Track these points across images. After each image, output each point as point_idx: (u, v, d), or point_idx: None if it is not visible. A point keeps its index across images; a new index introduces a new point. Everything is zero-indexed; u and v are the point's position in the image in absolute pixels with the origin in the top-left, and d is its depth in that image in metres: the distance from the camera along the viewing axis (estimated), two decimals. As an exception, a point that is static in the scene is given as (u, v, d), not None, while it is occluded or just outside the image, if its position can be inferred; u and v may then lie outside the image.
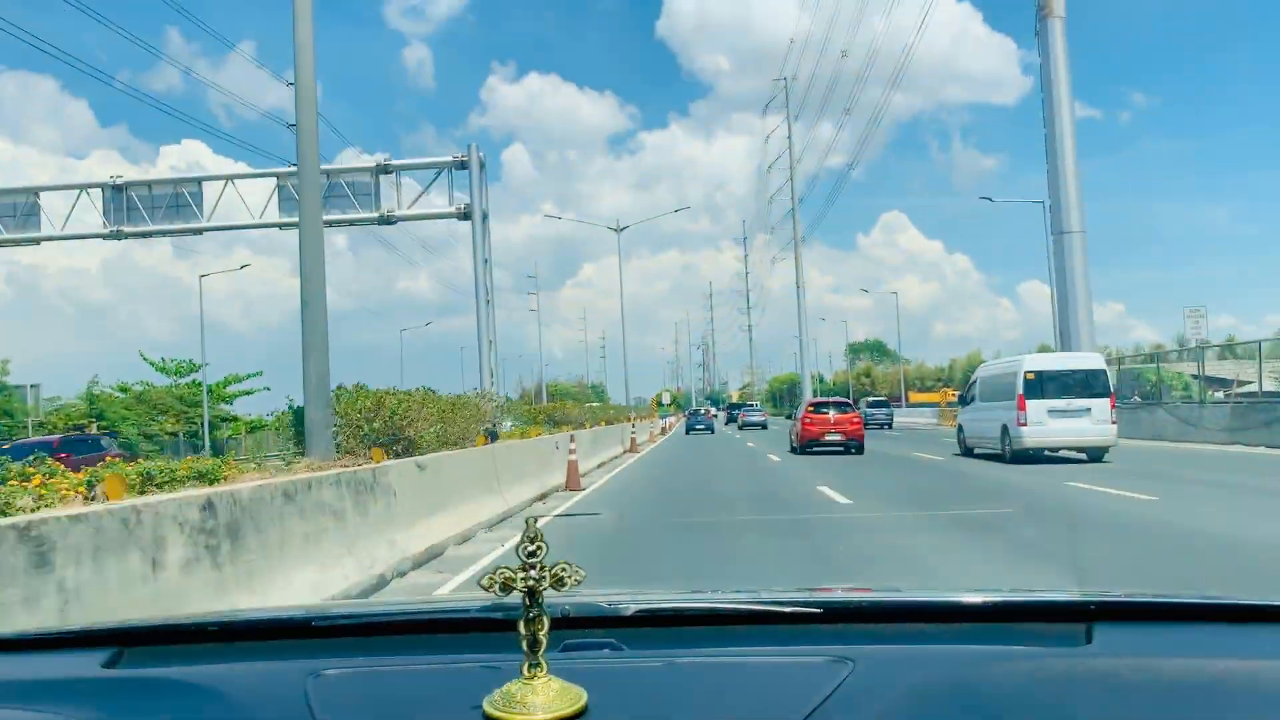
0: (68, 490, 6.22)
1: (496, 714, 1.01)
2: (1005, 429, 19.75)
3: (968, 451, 22.43)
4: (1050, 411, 19.03)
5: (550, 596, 1.05)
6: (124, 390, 46.85)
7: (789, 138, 72.37)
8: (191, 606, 5.05)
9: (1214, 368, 32.64)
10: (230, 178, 20.38)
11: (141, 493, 6.06)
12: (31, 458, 10.94)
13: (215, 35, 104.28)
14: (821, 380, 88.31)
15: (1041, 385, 19.29)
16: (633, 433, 30.12)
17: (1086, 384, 19.45)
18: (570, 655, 1.23)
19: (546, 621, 1.04)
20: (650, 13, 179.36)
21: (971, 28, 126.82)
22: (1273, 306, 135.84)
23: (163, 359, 48.59)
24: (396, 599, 6.53)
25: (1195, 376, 27.97)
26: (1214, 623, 1.41)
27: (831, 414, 24.56)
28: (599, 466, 21.73)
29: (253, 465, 7.82)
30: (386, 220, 19.97)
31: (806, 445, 24.24)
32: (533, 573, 1.02)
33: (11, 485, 5.71)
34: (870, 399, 57.75)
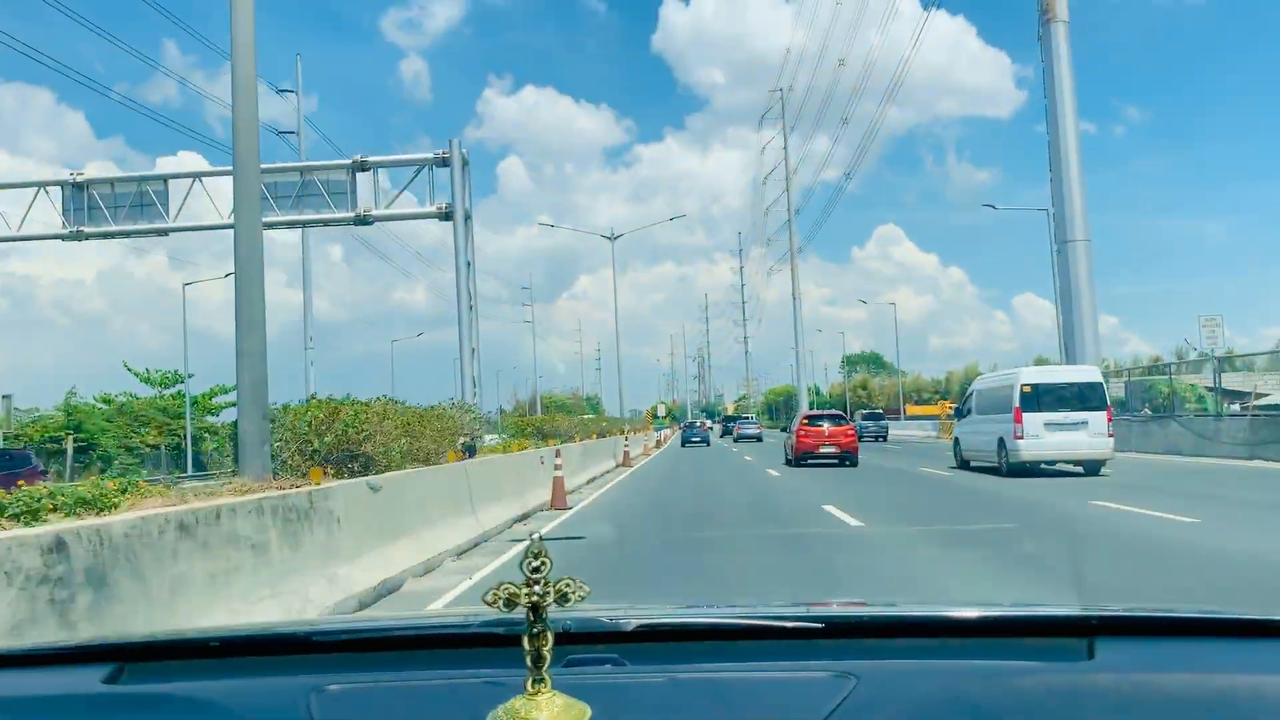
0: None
1: None
2: (1002, 442, 19.46)
3: (964, 464, 21.94)
4: (1047, 425, 18.76)
5: (552, 611, 1.02)
6: (107, 401, 45.44)
7: (785, 148, 71.52)
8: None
9: (1224, 379, 31.43)
10: (198, 175, 19.05)
11: (-11, 527, 4.74)
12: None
13: (211, 46, 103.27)
14: (818, 392, 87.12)
15: (1038, 398, 19.04)
16: (625, 446, 28.76)
17: (1083, 397, 19.18)
18: (573, 671, 1.21)
19: (550, 637, 1.02)
20: (646, 26, 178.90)
21: (966, 41, 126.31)
22: (1267, 319, 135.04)
23: (146, 370, 47.29)
24: (398, 613, 6.30)
25: (1210, 388, 26.70)
26: (1216, 638, 1.40)
27: (826, 427, 24.39)
28: (589, 482, 20.39)
29: (163, 489, 6.53)
30: (363, 220, 18.68)
31: (801, 458, 24.04)
32: (537, 588, 1.01)
33: None
34: (865, 411, 57.28)
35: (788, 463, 25.58)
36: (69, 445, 34.54)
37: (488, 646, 1.34)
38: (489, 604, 1.02)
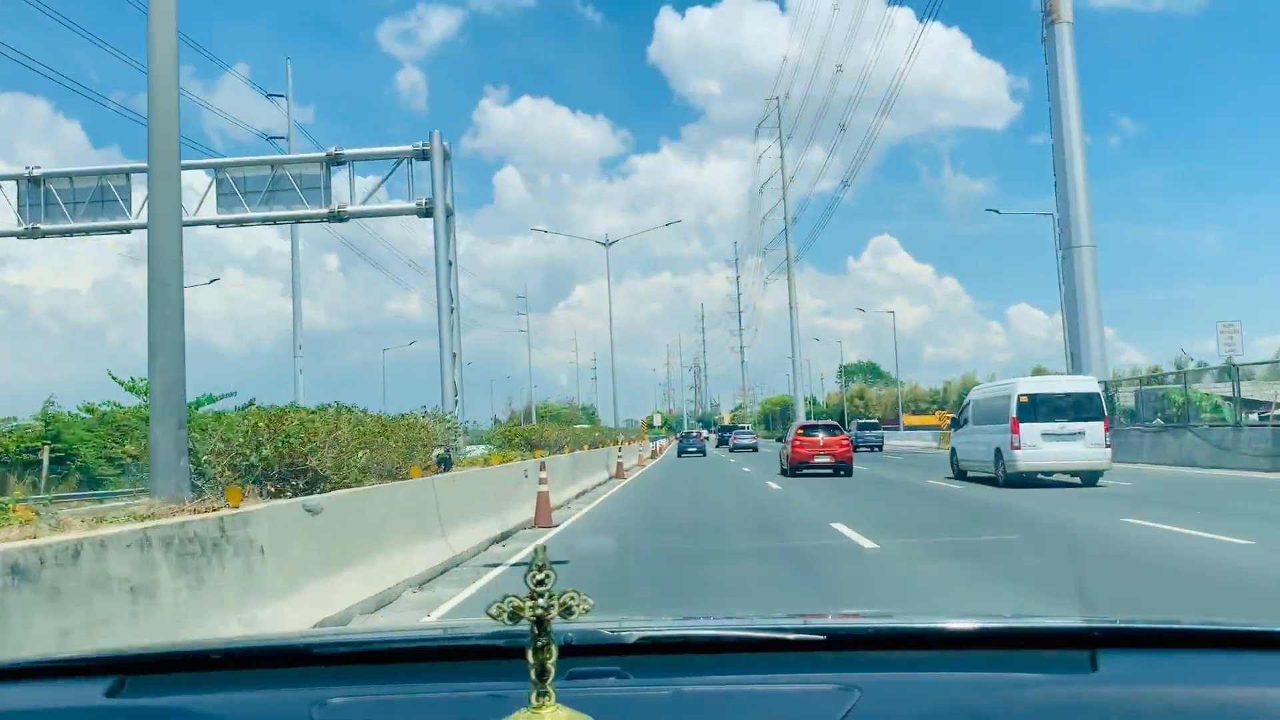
0: None
1: None
2: (999, 452, 19.25)
3: (961, 474, 21.69)
4: (1044, 435, 18.55)
5: (554, 623, 1.02)
6: (90, 411, 44.01)
7: (781, 157, 70.51)
8: None
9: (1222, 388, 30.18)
10: (161, 169, 17.73)
11: None
12: None
13: (209, 55, 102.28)
14: (815, 402, 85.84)
15: (1035, 408, 18.87)
16: (619, 457, 27.41)
17: (1080, 407, 18.97)
18: (576, 683, 1.20)
19: (555, 650, 1.01)
20: (642, 37, 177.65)
21: (961, 53, 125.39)
22: (1261, 330, 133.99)
23: (131, 378, 45.68)
24: (400, 625, 5.93)
25: (1228, 398, 25.44)
26: (1219, 649, 1.39)
27: (821, 437, 24.44)
28: (578, 496, 19.07)
29: (30, 511, 5.27)
30: (337, 217, 17.38)
31: (797, 467, 23.98)
32: (541, 601, 1.00)
33: None
34: (860, 421, 56.62)
35: (783, 472, 25.17)
36: (45, 456, 33.13)
37: (490, 659, 1.32)
38: (493, 617, 1.00)
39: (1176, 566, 9.02)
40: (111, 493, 25.08)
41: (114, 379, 47.99)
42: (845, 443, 24.59)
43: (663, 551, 10.87)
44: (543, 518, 13.66)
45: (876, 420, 60.38)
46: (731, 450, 54.60)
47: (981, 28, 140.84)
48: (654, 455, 48.37)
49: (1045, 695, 1.21)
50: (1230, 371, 24.83)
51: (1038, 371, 56.44)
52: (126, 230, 17.92)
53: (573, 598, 1.01)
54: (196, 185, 17.09)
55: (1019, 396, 19.17)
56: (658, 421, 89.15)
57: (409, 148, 17.26)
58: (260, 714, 1.24)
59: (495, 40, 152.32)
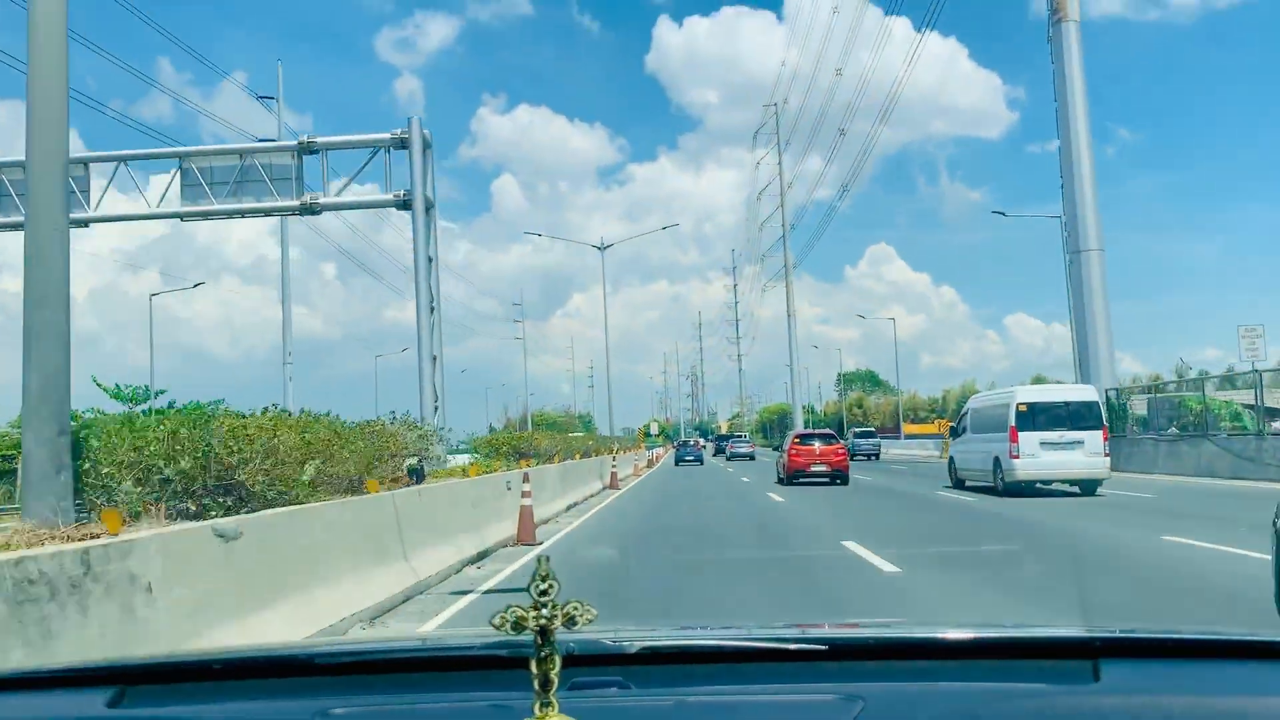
0: None
1: None
2: (997, 461, 19.09)
3: (959, 483, 21.43)
4: (1043, 444, 18.42)
5: (556, 633, 1.01)
6: (74, 419, 42.68)
7: (779, 162, 69.51)
8: None
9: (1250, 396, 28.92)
10: (123, 159, 16.44)
11: None
12: None
13: (207, 63, 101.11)
14: (812, 411, 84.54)
15: (1034, 417, 18.70)
16: (613, 467, 26.06)
17: (1079, 416, 18.83)
18: (578, 694, 1.19)
19: (558, 661, 1.00)
20: (640, 46, 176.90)
21: (958, 63, 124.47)
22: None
23: (116, 385, 44.51)
24: (400, 635, 5.88)
25: (1248, 406, 24.20)
26: (1222, 660, 1.37)
27: (817, 446, 24.53)
28: (568, 509, 17.76)
29: None
30: (309, 209, 16.10)
31: (793, 476, 24.04)
32: (545, 611, 0.99)
33: None
34: (857, 430, 56.40)
35: (780, 481, 25.17)
36: (20, 465, 31.76)
37: (491, 669, 1.30)
38: (496, 627, 1.00)
39: (1247, 592, 7.75)
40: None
41: (98, 385, 46.75)
42: (841, 452, 24.60)
43: (657, 574, 9.59)
44: (526, 534, 12.37)
45: (873, 429, 59.95)
46: (729, 459, 54.93)
47: (978, 37, 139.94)
48: (650, 464, 47.04)
49: (1047, 705, 1.22)
50: (1255, 377, 23.60)
51: (1038, 380, 55.35)
52: (85, 224, 16.62)
53: (576, 608, 1.00)
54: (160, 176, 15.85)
55: (1018, 405, 18.95)
56: (654, 430, 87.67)
57: (386, 136, 15.97)
58: None
59: (493, 48, 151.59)
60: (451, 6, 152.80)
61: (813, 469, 23.93)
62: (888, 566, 9.49)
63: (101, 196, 16.62)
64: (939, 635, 1.44)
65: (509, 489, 13.11)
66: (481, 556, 10.92)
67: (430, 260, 15.85)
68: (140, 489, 6.22)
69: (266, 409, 8.18)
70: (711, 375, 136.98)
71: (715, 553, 11.55)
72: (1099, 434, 18.77)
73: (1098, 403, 19.73)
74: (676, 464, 47.40)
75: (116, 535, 4.60)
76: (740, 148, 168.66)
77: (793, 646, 1.37)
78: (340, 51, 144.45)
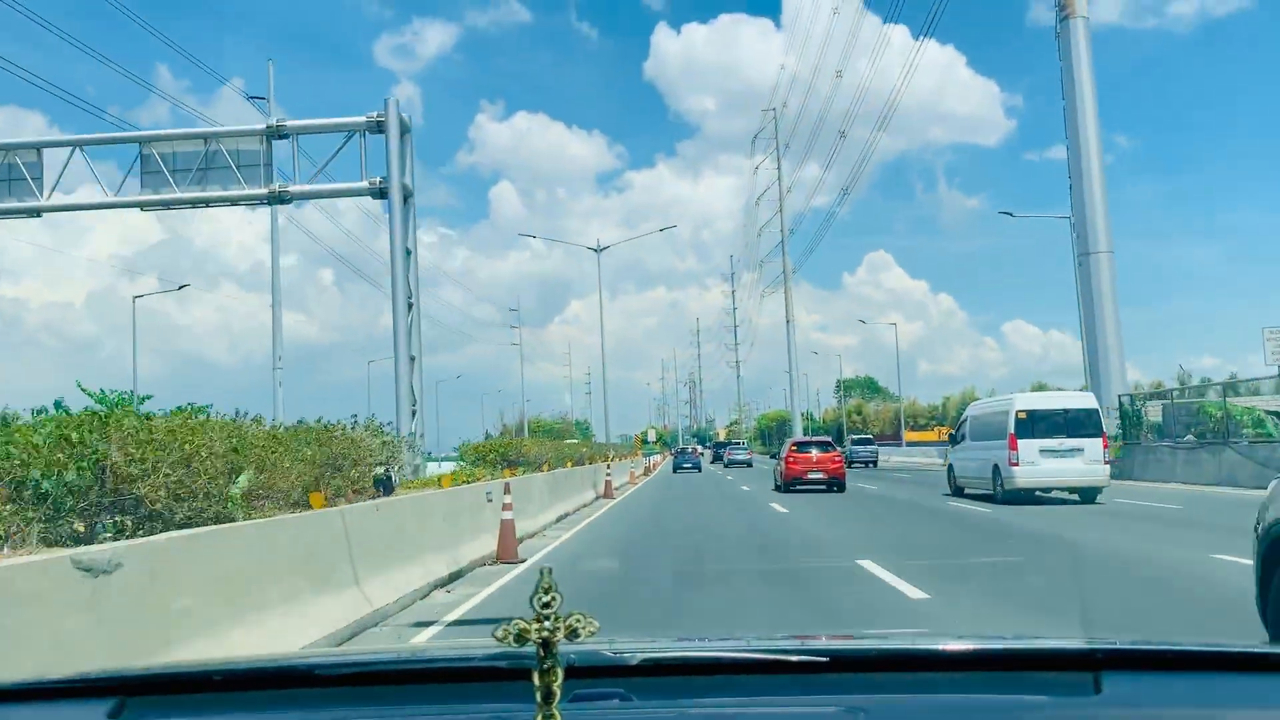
0: None
1: None
2: (996, 468, 18.85)
3: (958, 491, 21.20)
4: (1042, 451, 18.15)
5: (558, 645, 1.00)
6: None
7: (778, 166, 68.50)
8: None
9: (1270, 402, 27.67)
10: (78, 144, 15.15)
11: None
12: None
13: (205, 69, 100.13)
14: (811, 418, 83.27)
15: (1033, 424, 18.46)
16: (607, 475, 24.76)
17: (1078, 423, 18.60)
18: (579, 706, 1.18)
19: (560, 674, 0.99)
20: (638, 53, 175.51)
21: (956, 70, 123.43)
22: (1254, 347, 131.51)
23: (101, 390, 43.23)
24: (399, 646, 5.49)
25: (1271, 412, 22.98)
26: (1224, 672, 1.35)
27: (814, 453, 24.57)
28: (558, 520, 16.48)
29: None
30: (278, 198, 14.84)
31: (790, 483, 24.04)
32: (547, 624, 0.98)
33: None
34: (855, 437, 56.11)
35: (777, 488, 25.12)
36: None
37: (492, 680, 1.29)
38: (499, 639, 0.99)
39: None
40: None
41: (83, 390, 45.61)
42: (838, 459, 24.71)
43: (651, 600, 8.35)
44: (507, 551, 11.10)
45: (870, 436, 59.51)
46: (726, 465, 54.76)
47: (976, 45, 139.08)
48: (647, 472, 45.77)
49: (1048, 718, 1.22)
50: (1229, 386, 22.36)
51: (1039, 387, 54.19)
52: (37, 214, 15.32)
53: (579, 620, 1.00)
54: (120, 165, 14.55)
55: (1017, 413, 18.66)
56: (652, 437, 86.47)
57: (361, 119, 14.69)
58: None
59: (491, 55, 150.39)
60: (450, 13, 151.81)
61: (810, 476, 23.90)
62: (913, 591, 8.24)
63: (55, 185, 15.34)
64: (940, 647, 1.43)
65: (489, 500, 11.85)
66: (455, 578, 9.66)
67: (409, 253, 14.60)
68: (8, 506, 4.98)
69: (181, 408, 6.95)
70: (710, 382, 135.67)
71: (716, 573, 10.31)
72: (1098, 441, 18.44)
73: (1097, 410, 19.30)
74: (674, 471, 46.66)
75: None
76: (738, 154, 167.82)
77: (794, 658, 1.34)
78: (338, 57, 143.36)
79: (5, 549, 4.45)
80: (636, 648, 1.33)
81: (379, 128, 14.61)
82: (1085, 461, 18.34)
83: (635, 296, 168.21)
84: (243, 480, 6.71)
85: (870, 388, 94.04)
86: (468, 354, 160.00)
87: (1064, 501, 18.51)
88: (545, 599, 0.98)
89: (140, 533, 5.35)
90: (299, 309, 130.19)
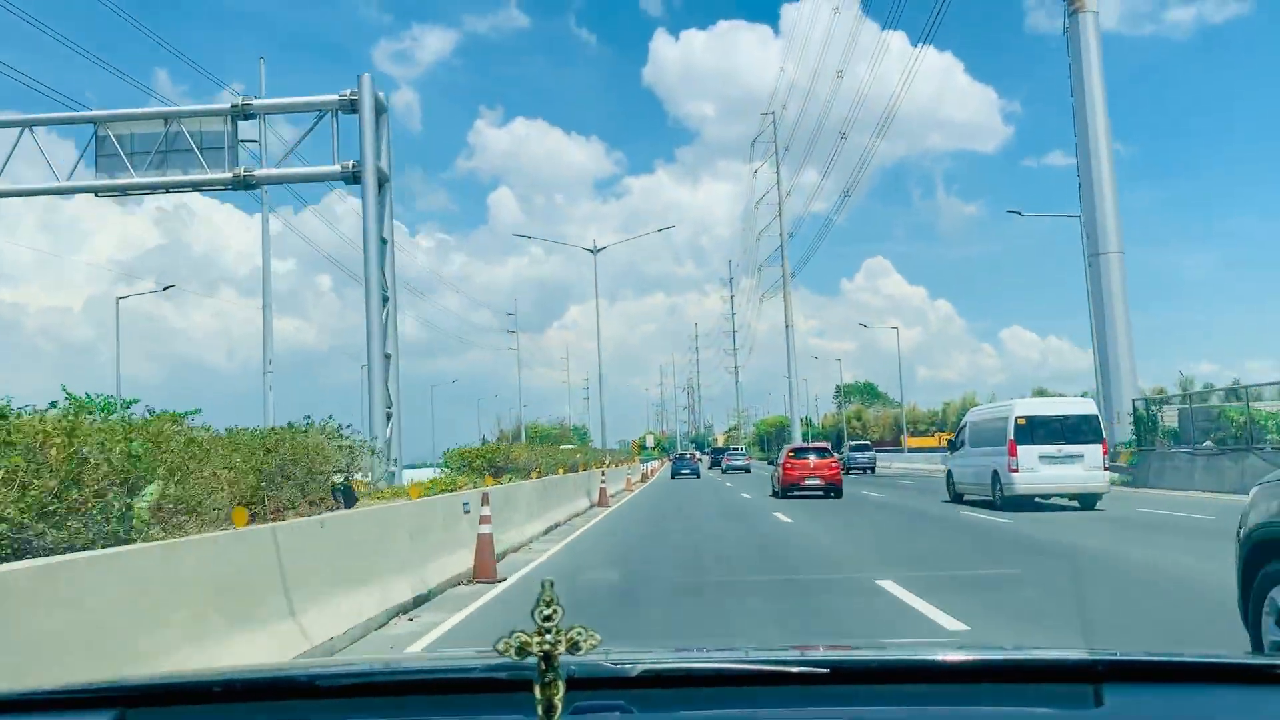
0: None
1: None
2: (996, 475, 18.66)
3: (958, 498, 21.03)
4: (1042, 457, 18.02)
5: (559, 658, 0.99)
6: None
7: (777, 171, 67.44)
8: None
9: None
10: (27, 124, 13.88)
11: None
12: None
13: (204, 73, 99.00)
14: (810, 423, 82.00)
15: (1033, 430, 18.24)
16: (602, 482, 23.48)
17: (1078, 430, 18.36)
18: (580, 718, 1.18)
19: (562, 687, 0.99)
20: (637, 59, 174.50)
21: (954, 77, 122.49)
22: (1251, 353, 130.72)
23: (87, 395, 42.01)
24: (401, 657, 5.08)
25: (1297, 417, 21.80)
26: (1226, 684, 1.33)
27: (812, 459, 24.51)
28: (546, 532, 15.24)
29: None
30: (243, 182, 13.60)
31: (788, 489, 24.03)
32: (549, 636, 0.98)
33: None
34: (853, 443, 55.32)
35: (775, 494, 25.14)
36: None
37: (492, 692, 1.28)
38: (500, 652, 0.98)
39: None
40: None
41: (68, 395, 44.40)
42: (835, 466, 24.60)
43: (645, 629, 7.13)
44: (484, 569, 9.87)
45: (868, 442, 58.64)
46: (724, 471, 54.24)
47: (974, 51, 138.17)
48: (644, 479, 44.47)
49: None
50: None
51: (1040, 393, 53.02)
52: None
53: (580, 633, 1.00)
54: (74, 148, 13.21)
55: (1016, 419, 18.46)
56: (650, 442, 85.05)
57: (334, 97, 13.45)
58: None
59: (490, 61, 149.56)
60: (449, 20, 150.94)
61: (806, 482, 23.88)
62: (947, 619, 7.04)
63: (2, 168, 14.09)
64: (941, 658, 1.40)
65: (466, 512, 10.62)
66: (421, 601, 8.42)
67: (384, 242, 13.38)
68: None
69: (54, 405, 5.77)
70: (708, 387, 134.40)
71: (719, 593, 9.09)
72: (1098, 448, 18.25)
73: (1097, 416, 19.00)
74: (673, 477, 46.18)
75: None
76: (737, 160, 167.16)
77: (794, 669, 1.33)
78: (337, 63, 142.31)
79: None
80: (636, 659, 1.30)
81: (352, 107, 13.39)
82: (1085, 468, 18.12)
83: (634, 302, 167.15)
84: (150, 493, 5.49)
85: (870, 393, 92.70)
86: (466, 360, 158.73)
87: (1062, 508, 18.23)
88: (547, 612, 0.98)
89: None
90: (297, 314, 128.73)
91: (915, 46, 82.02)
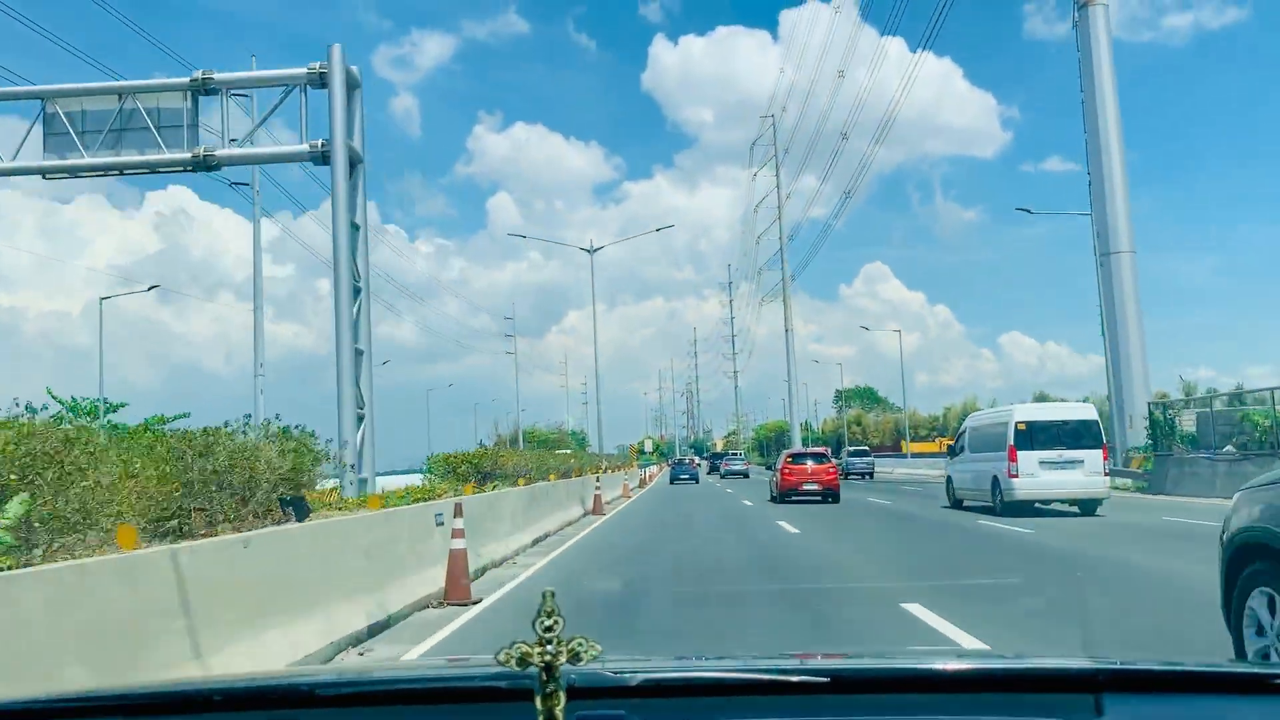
0: None
1: None
2: (996, 480, 18.54)
3: (957, 504, 20.87)
4: (1042, 463, 17.93)
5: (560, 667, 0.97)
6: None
7: (777, 173, 66.38)
8: None
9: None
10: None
11: None
12: None
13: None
14: (810, 428, 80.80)
15: (1032, 436, 18.13)
16: (596, 489, 22.26)
17: (1078, 435, 18.23)
18: None
19: (563, 697, 0.97)
20: (636, 65, 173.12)
21: (953, 82, 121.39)
22: (1250, 358, 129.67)
23: (73, 398, 40.76)
24: (401, 665, 4.46)
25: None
26: (1227, 694, 1.31)
27: (809, 465, 24.40)
28: (534, 544, 14.02)
29: None
30: (204, 163, 12.41)
31: (786, 494, 23.97)
32: (550, 647, 0.97)
33: None
34: (851, 448, 54.87)
35: (773, 499, 25.03)
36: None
37: (493, 700, 1.25)
38: (501, 663, 0.97)
39: None
40: None
41: (53, 397, 43.12)
42: (832, 471, 24.51)
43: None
44: (456, 589, 8.67)
45: (867, 448, 58.04)
46: (723, 476, 53.92)
47: (972, 57, 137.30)
48: (642, 484, 43.21)
49: None
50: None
51: (1041, 398, 51.92)
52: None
53: (580, 644, 0.98)
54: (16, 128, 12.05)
55: (1016, 424, 18.31)
56: (649, 447, 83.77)
57: (301, 70, 12.29)
58: None
59: (489, 67, 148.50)
60: (448, 25, 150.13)
61: (804, 487, 23.73)
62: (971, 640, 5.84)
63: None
64: (941, 667, 1.39)
65: (440, 525, 9.43)
66: (379, 630, 7.23)
67: (356, 228, 12.22)
68: None
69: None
70: (707, 392, 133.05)
71: (722, 619, 7.91)
72: (1098, 453, 18.12)
73: (1097, 421, 18.77)
74: (671, 482, 46.42)
75: None
76: (735, 166, 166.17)
77: (795, 679, 1.32)
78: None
79: None
80: (636, 668, 1.29)
81: (322, 81, 12.24)
82: (1085, 473, 17.96)
83: (633, 307, 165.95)
84: (12, 510, 4.31)
85: (870, 398, 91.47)
86: (465, 365, 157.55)
87: (1063, 513, 18.03)
88: (548, 622, 0.97)
89: None
90: (297, 320, 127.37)
91: (914, 52, 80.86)
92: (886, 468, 55.15)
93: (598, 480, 23.17)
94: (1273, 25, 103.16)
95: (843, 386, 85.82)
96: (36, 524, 4.46)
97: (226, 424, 7.55)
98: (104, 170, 12.57)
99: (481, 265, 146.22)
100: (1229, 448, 23.45)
